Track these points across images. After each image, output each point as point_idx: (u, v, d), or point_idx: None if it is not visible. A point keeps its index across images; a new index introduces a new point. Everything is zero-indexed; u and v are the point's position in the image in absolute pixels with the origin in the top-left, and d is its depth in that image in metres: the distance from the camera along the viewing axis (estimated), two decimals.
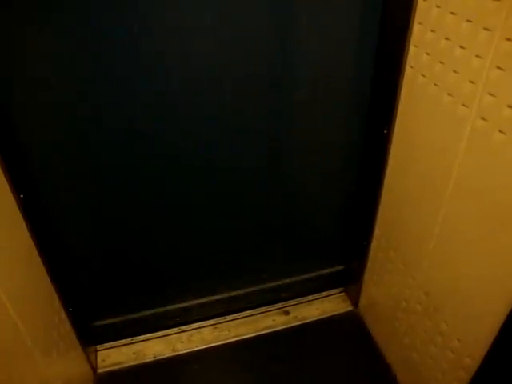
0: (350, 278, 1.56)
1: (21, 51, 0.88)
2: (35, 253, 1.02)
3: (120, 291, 1.38)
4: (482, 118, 0.78)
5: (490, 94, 0.75)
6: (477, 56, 0.76)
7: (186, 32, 0.95)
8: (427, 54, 0.90)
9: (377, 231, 1.29)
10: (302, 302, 1.59)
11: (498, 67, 0.72)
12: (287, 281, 1.56)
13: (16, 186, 0.93)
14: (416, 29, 0.92)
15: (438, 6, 0.84)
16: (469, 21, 0.76)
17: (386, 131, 1.10)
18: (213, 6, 0.94)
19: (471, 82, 0.79)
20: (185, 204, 1.24)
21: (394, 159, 1.12)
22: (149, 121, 1.06)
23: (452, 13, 0.80)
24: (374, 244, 1.33)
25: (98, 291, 1.35)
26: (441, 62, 0.87)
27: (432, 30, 0.87)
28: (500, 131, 0.74)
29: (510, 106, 0.71)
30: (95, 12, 0.88)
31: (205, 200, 1.25)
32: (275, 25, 1.00)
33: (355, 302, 1.55)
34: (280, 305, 1.58)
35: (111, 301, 1.39)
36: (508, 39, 0.69)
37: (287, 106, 1.14)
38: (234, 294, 1.53)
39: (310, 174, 1.30)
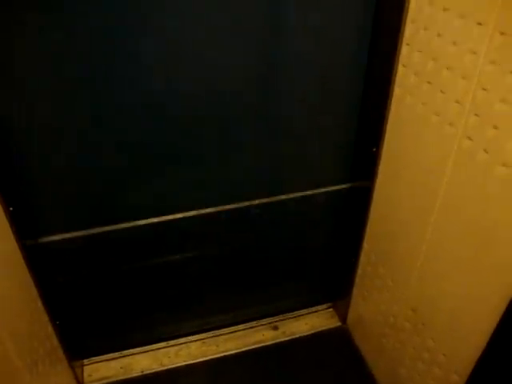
0: (338, 294, 1.56)
1: (21, 51, 0.88)
2: (23, 265, 1.01)
3: (108, 304, 1.36)
4: (468, 138, 0.80)
5: (476, 115, 0.77)
6: (463, 78, 0.78)
7: (186, 32, 0.95)
8: (415, 74, 0.92)
9: (365, 246, 1.30)
10: (290, 318, 1.59)
11: (484, 88, 0.74)
12: (276, 295, 1.56)
13: (5, 197, 0.93)
14: (404, 49, 0.95)
15: (425, 29, 0.86)
16: (454, 44, 0.79)
17: (374, 149, 1.12)
18: (213, 6, 0.94)
19: (457, 102, 0.81)
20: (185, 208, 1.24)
21: (382, 175, 1.14)
22: (149, 121, 1.06)
23: (439, 34, 0.83)
24: (362, 259, 1.34)
25: (86, 305, 1.34)
26: (428, 82, 0.89)
27: (419, 51, 0.89)
28: (484, 151, 0.76)
29: (494, 127, 0.73)
30: (95, 12, 0.88)
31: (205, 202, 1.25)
32: (274, 25, 1.00)
33: (343, 318, 1.55)
34: (269, 320, 1.57)
35: (99, 314, 1.38)
36: (492, 62, 0.71)
37: (285, 107, 1.14)
38: (222, 308, 1.52)
39: (299, 185, 1.30)
